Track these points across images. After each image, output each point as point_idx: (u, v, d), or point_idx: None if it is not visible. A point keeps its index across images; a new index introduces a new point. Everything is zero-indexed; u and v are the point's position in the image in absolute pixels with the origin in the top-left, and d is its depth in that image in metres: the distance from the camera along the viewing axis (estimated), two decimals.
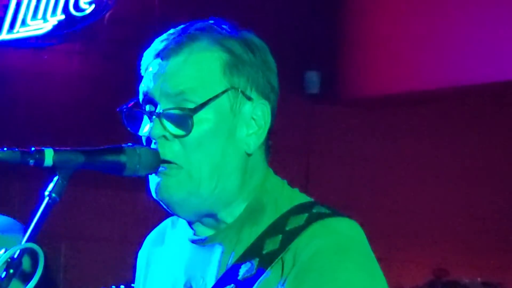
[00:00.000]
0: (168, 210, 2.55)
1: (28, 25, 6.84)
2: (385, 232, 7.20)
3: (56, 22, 6.81)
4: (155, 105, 2.48)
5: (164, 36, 2.49)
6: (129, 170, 2.43)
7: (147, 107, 2.47)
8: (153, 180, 2.45)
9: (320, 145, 7.84)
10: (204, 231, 2.55)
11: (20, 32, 6.88)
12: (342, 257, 2.40)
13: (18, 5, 6.89)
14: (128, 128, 2.49)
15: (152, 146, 2.51)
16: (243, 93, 2.50)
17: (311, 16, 8.09)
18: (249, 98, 2.48)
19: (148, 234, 2.74)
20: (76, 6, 6.83)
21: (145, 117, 2.49)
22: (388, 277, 5.78)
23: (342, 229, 2.45)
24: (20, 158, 2.37)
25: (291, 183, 2.55)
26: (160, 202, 2.48)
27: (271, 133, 2.41)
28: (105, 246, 7.26)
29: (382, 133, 7.97)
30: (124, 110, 2.52)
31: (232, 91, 2.48)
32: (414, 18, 7.78)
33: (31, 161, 2.33)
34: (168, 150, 2.45)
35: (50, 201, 2.32)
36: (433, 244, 7.53)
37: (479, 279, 7.15)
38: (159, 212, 2.58)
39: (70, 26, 6.84)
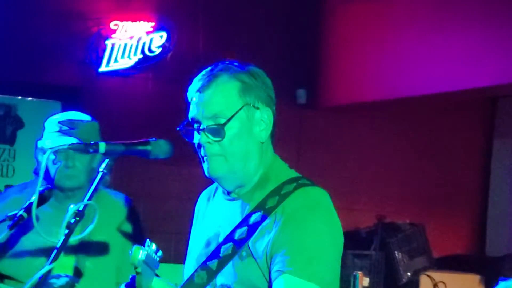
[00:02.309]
0: (215, 181, 3.42)
1: (118, 62, 7.47)
2: (348, 193, 8.18)
3: (137, 59, 7.48)
4: (199, 123, 3.26)
5: (199, 76, 3.30)
6: (152, 155, 3.29)
7: (195, 125, 3.27)
8: (204, 164, 3.29)
9: (307, 140, 8.44)
10: (233, 194, 3.39)
11: (113, 66, 7.50)
12: (313, 212, 3.22)
13: (111, 48, 7.50)
14: (185, 139, 3.31)
15: (201, 150, 3.28)
16: (253, 106, 3.28)
17: (298, 48, 8.51)
18: (257, 108, 3.29)
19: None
20: (149, 49, 7.48)
21: (195, 132, 3.29)
22: (349, 222, 7.74)
23: (315, 194, 3.28)
24: (84, 148, 3.28)
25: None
26: (211, 178, 3.34)
27: (275, 127, 3.34)
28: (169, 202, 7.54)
29: (350, 131, 8.64)
30: (181, 128, 3.32)
31: (246, 106, 3.26)
32: (374, 43, 8.01)
33: (91, 150, 3.23)
34: (213, 149, 3.25)
35: (102, 175, 3.27)
36: (377, 198, 8.29)
37: (407, 220, 7.80)
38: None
39: (145, 62, 7.48)
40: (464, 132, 8.88)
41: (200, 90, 3.23)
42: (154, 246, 2.94)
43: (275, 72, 8.93)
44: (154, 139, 3.28)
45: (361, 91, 8.19)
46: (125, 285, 3.03)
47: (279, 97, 9.53)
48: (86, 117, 4.44)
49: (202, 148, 3.24)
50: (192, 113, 3.23)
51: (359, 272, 7.02)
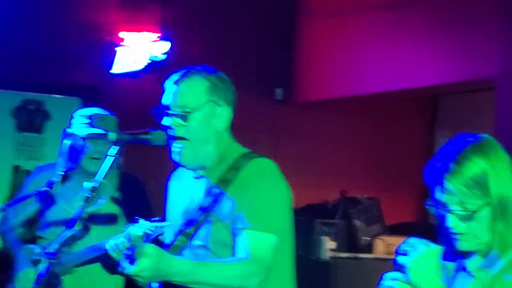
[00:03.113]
0: (179, 164, 3.37)
1: (128, 65, 7.41)
2: (317, 174, 8.22)
3: (145, 64, 7.39)
4: (170, 109, 3.27)
5: (178, 73, 3.33)
6: (152, 143, 3.27)
7: (167, 111, 3.27)
8: (174, 155, 3.30)
9: (283, 131, 8.28)
10: (199, 172, 3.37)
11: (124, 68, 7.46)
12: (262, 178, 3.29)
13: (123, 54, 7.42)
14: (156, 120, 3.31)
15: (169, 131, 3.27)
16: (216, 103, 3.30)
17: (276, 52, 8.36)
18: (220, 105, 3.31)
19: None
20: (155, 56, 7.34)
21: (166, 116, 3.28)
22: (318, 196, 8.04)
23: (263, 164, 3.35)
24: (98, 137, 3.59)
25: (265, 153, 3.43)
26: (175, 160, 3.33)
27: (232, 121, 3.34)
28: None
29: (320, 123, 8.51)
30: (156, 111, 3.32)
31: (211, 102, 3.28)
32: (340, 48, 7.91)
33: (102, 138, 3.45)
34: (179, 132, 3.26)
35: (114, 158, 3.28)
36: (341, 177, 8.19)
37: (365, 195, 7.81)
38: None
39: (152, 66, 7.39)
40: (412, 123, 8.83)
41: (176, 83, 3.27)
42: (148, 222, 2.93)
43: (257, 73, 8.93)
44: (153, 129, 3.28)
45: (329, 89, 8.12)
46: (125, 255, 3.02)
47: (259, 94, 9.40)
48: (105, 112, 4.46)
49: (170, 130, 3.26)
50: (166, 100, 3.26)
51: (326, 237, 7.28)
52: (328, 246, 7.23)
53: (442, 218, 2.53)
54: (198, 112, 3.26)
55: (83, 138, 4.21)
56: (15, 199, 4.29)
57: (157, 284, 3.28)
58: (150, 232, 2.92)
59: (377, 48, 7.54)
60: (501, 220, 2.48)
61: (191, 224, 3.30)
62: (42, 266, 3.80)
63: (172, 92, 3.28)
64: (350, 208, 7.58)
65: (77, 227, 3.92)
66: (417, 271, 2.45)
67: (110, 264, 3.64)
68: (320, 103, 8.38)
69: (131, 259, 2.93)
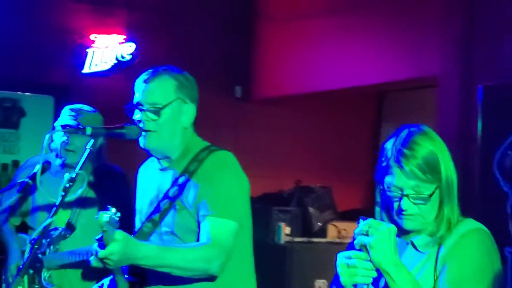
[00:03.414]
0: (149, 153, 3.39)
1: (97, 65, 7.41)
2: (274, 165, 8.18)
3: (112, 64, 7.41)
4: (142, 105, 3.25)
5: (148, 71, 3.31)
6: (127, 136, 3.25)
7: (139, 106, 3.25)
8: (142, 139, 3.26)
9: (243, 126, 8.26)
10: (164, 164, 3.37)
11: (94, 68, 7.44)
12: (223, 169, 3.29)
13: (92, 55, 7.40)
14: (128, 114, 3.28)
15: (140, 124, 3.24)
16: (183, 100, 3.29)
17: (236, 55, 8.31)
18: (186, 103, 3.30)
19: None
20: (122, 56, 7.38)
21: (137, 111, 3.26)
22: (275, 185, 7.97)
23: (223, 156, 3.34)
24: (75, 131, 3.51)
25: (226, 146, 3.43)
26: (145, 149, 3.32)
27: (196, 117, 3.31)
28: None
29: (276, 118, 8.48)
30: (128, 106, 3.29)
31: (178, 100, 3.27)
32: (293, 50, 7.89)
33: (80, 133, 3.31)
34: (148, 126, 3.24)
35: (90, 151, 3.27)
36: (296, 168, 8.13)
37: (318, 184, 7.78)
38: None
39: (119, 66, 7.40)
40: (360, 118, 8.81)
41: (146, 81, 3.26)
42: (114, 210, 2.88)
43: (217, 72, 8.89)
44: (127, 124, 3.27)
45: (285, 87, 8.14)
46: (96, 240, 2.97)
47: (219, 93, 9.35)
48: (91, 109, 4.41)
49: (141, 123, 3.24)
50: (138, 97, 3.25)
51: (282, 223, 7.25)
52: (284, 231, 7.21)
53: (390, 201, 2.54)
54: (167, 108, 3.25)
55: (63, 131, 4.14)
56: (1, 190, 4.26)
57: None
58: (117, 219, 2.89)
59: (328, 49, 7.55)
60: (448, 202, 2.52)
61: (158, 212, 3.28)
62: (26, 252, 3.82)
63: (143, 90, 3.26)
64: (305, 196, 7.57)
65: (61, 225, 4.11)
66: (378, 249, 2.42)
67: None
68: (276, 100, 8.38)
69: (102, 244, 2.90)
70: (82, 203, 4.25)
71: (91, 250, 3.55)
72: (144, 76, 3.29)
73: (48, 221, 3.28)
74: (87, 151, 3.30)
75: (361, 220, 2.50)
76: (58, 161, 4.29)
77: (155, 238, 3.29)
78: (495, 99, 5.85)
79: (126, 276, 3.26)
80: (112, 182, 4.42)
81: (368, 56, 7.13)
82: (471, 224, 2.55)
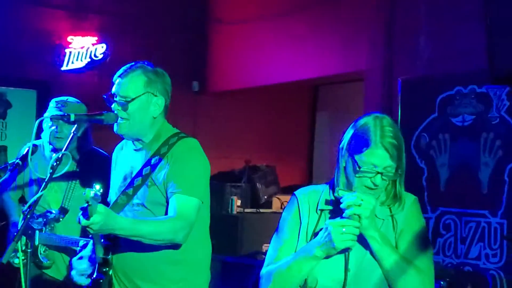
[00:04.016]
0: (122, 137, 3.36)
1: (73, 63, 7.34)
2: (227, 148, 8.15)
3: (87, 62, 7.33)
4: (116, 96, 3.23)
5: (125, 67, 3.29)
6: (105, 122, 3.23)
7: (114, 98, 3.25)
8: (115, 125, 3.23)
9: (200, 117, 8.21)
10: (138, 146, 3.33)
11: (71, 66, 7.37)
12: (189, 153, 3.26)
13: (69, 54, 7.34)
14: (107, 103, 3.28)
15: (115, 112, 3.22)
16: (152, 94, 3.26)
17: (193, 53, 8.28)
18: (156, 96, 3.27)
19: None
20: (95, 55, 7.32)
21: (112, 101, 3.25)
22: (228, 165, 7.58)
23: (190, 142, 3.30)
24: (60, 117, 3.33)
25: (186, 133, 3.37)
26: (118, 133, 3.28)
27: (166, 108, 3.31)
28: None
29: (229, 109, 8.47)
30: (106, 96, 3.27)
31: (147, 93, 3.24)
32: (243, 49, 7.87)
33: (65, 119, 3.23)
34: (121, 114, 3.22)
35: (74, 134, 3.24)
36: (246, 150, 8.04)
37: (264, 163, 7.76)
38: None
39: (93, 63, 7.34)
40: (298, 107, 8.79)
41: (121, 76, 3.25)
42: (98, 186, 2.84)
43: (177, 69, 8.87)
44: (106, 112, 3.27)
45: (236, 82, 8.11)
46: (81, 209, 2.94)
47: (179, 87, 9.37)
48: (75, 100, 4.39)
49: (116, 111, 3.23)
50: (114, 89, 3.25)
51: (234, 197, 7.23)
52: (236, 203, 7.22)
53: (353, 175, 2.60)
54: (135, 101, 3.23)
55: (51, 119, 4.13)
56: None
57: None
58: (100, 194, 2.86)
59: (271, 48, 7.52)
60: (401, 179, 2.62)
61: (131, 186, 3.26)
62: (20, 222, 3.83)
63: (117, 83, 3.26)
64: (253, 174, 7.57)
65: (53, 214, 4.08)
66: (368, 219, 2.52)
67: None
68: (228, 92, 8.36)
69: (86, 214, 2.90)
70: (72, 187, 4.25)
71: (78, 240, 3.71)
72: (121, 70, 3.28)
73: (39, 194, 3.24)
74: (72, 135, 3.28)
75: (345, 194, 2.57)
76: (49, 147, 4.27)
77: (128, 209, 3.27)
78: (412, 90, 5.84)
79: (102, 240, 3.24)
80: (98, 164, 4.37)
81: (304, 54, 7.10)
82: (411, 195, 2.70)
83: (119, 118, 3.24)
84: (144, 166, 3.26)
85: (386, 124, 2.60)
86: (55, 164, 3.23)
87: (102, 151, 4.48)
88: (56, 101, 4.31)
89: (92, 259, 3.27)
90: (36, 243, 4.06)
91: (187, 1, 8.29)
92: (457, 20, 5.56)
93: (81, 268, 3.28)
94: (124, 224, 3.04)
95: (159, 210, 3.21)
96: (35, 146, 4.16)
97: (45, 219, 4.12)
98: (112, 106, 3.25)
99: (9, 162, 3.94)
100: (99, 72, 7.37)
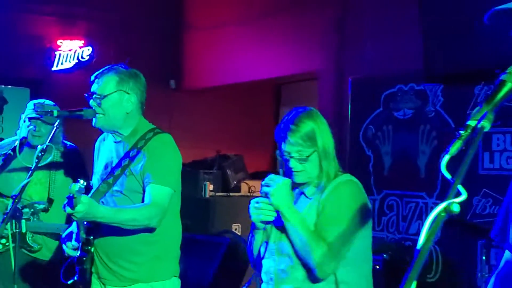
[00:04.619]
0: (100, 130, 3.32)
1: (63, 64, 7.34)
2: (201, 140, 8.03)
3: (74, 63, 7.34)
4: (93, 94, 3.22)
5: (100, 70, 3.27)
6: (84, 117, 3.22)
7: (93, 95, 3.23)
8: (93, 120, 3.22)
9: (177, 112, 8.02)
10: (117, 138, 3.29)
11: (60, 66, 7.37)
12: (164, 147, 3.23)
13: (59, 56, 7.36)
14: (88, 101, 3.22)
15: (93, 107, 3.20)
16: (125, 91, 3.22)
17: (170, 53, 8.20)
18: (128, 93, 3.23)
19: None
20: (82, 57, 7.32)
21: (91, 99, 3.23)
22: (201, 154, 7.43)
23: (165, 137, 3.26)
24: (44, 114, 3.38)
25: (164, 126, 3.35)
26: (96, 127, 3.25)
27: (140, 104, 3.25)
28: None
29: (203, 104, 8.38)
30: (87, 95, 3.24)
31: (119, 91, 3.21)
32: (216, 50, 7.77)
33: (49, 115, 3.27)
34: (97, 110, 3.20)
35: (56, 128, 3.28)
36: (217, 141, 7.95)
37: (233, 153, 7.73)
38: None
39: (80, 64, 7.33)
40: (264, 102, 8.76)
41: (97, 77, 3.25)
42: (82, 181, 2.82)
43: (156, 70, 8.81)
44: (85, 108, 3.25)
45: (209, 80, 8.02)
46: (67, 198, 2.90)
47: (158, 85, 9.16)
48: (51, 103, 4.30)
49: (94, 107, 3.21)
50: (92, 89, 3.24)
51: (207, 182, 7.24)
52: (209, 188, 7.21)
53: (286, 162, 2.62)
54: (107, 98, 3.21)
55: (29, 120, 4.09)
56: None
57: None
58: (83, 187, 2.84)
59: (239, 50, 7.50)
60: (325, 161, 2.62)
61: (112, 176, 3.24)
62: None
63: (94, 83, 3.25)
64: (223, 162, 7.57)
65: (41, 205, 4.02)
66: (276, 196, 2.55)
67: None
68: (202, 90, 8.31)
69: (71, 203, 2.89)
70: (54, 177, 4.19)
71: (63, 226, 3.68)
72: (96, 72, 3.28)
73: (26, 181, 3.26)
74: (54, 129, 3.31)
75: (273, 178, 2.62)
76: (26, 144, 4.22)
77: (109, 195, 3.25)
78: (360, 88, 5.86)
79: (85, 223, 3.25)
80: (73, 154, 4.34)
81: (268, 56, 7.10)
82: (345, 177, 2.66)
83: (97, 114, 3.23)
84: (123, 157, 3.24)
85: (297, 114, 2.63)
86: (40, 154, 3.26)
87: (71, 143, 4.43)
88: (34, 103, 4.23)
89: (78, 236, 3.28)
90: (24, 230, 3.99)
91: (165, 10, 8.20)
92: (398, 27, 5.58)
93: (72, 244, 3.27)
94: (105, 213, 3.04)
95: (136, 197, 3.20)
96: (24, 138, 4.14)
97: (32, 209, 4.06)
98: (90, 102, 3.25)
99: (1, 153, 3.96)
100: (86, 72, 7.07)
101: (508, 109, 1.39)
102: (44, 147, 3.28)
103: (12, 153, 3.88)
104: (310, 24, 6.58)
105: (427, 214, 4.96)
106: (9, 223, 3.39)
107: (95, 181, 3.36)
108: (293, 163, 2.59)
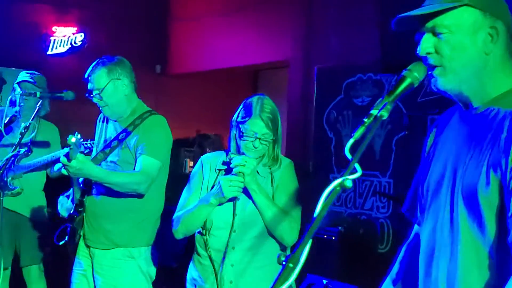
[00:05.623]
0: (110, 118, 3.32)
1: (57, 49, 7.28)
2: (185, 120, 7.78)
3: (68, 48, 7.27)
4: (92, 92, 3.25)
5: (89, 68, 3.27)
6: (65, 98, 3.34)
7: (91, 94, 3.25)
8: (102, 110, 3.24)
9: (162, 95, 7.80)
10: (118, 120, 3.33)
11: (55, 51, 7.30)
12: (157, 126, 3.27)
13: (54, 41, 7.28)
14: (90, 99, 3.27)
15: (97, 103, 3.22)
16: (116, 79, 3.25)
17: (156, 40, 8.10)
18: (120, 79, 3.27)
19: None
20: (75, 42, 7.24)
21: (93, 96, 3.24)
22: (184, 133, 7.37)
23: (158, 118, 3.33)
24: (28, 94, 3.41)
25: (148, 106, 3.39)
26: (106, 116, 3.28)
27: (135, 84, 3.29)
28: None
29: (186, 88, 8.28)
30: (87, 94, 3.25)
31: (112, 81, 3.23)
32: (199, 38, 7.74)
33: (32, 96, 3.34)
34: (100, 103, 3.25)
35: (39, 108, 3.33)
36: (197, 121, 8.00)
37: (213, 133, 7.39)
38: None
39: (73, 49, 7.27)
40: (242, 87, 8.49)
41: (89, 75, 3.27)
42: (79, 135, 2.86)
43: (143, 55, 8.70)
44: (65, 90, 3.36)
45: (191, 66, 7.98)
46: (64, 155, 2.94)
47: (144, 69, 9.01)
48: (38, 73, 4.29)
49: (97, 102, 3.27)
50: (88, 87, 3.27)
51: (188, 159, 7.30)
52: (189, 164, 7.20)
53: (244, 140, 2.65)
54: (105, 90, 3.24)
55: (22, 95, 4.04)
56: None
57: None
58: (81, 141, 2.91)
59: (220, 39, 7.45)
60: (278, 145, 2.73)
61: (109, 147, 3.29)
62: None
63: (89, 82, 3.27)
64: (203, 141, 7.36)
65: (23, 149, 3.99)
66: (249, 175, 2.56)
67: None
68: (185, 75, 8.25)
69: (67, 156, 2.90)
70: (37, 136, 4.17)
71: (49, 159, 3.69)
72: (88, 71, 3.28)
73: (10, 154, 3.38)
74: (37, 108, 3.38)
75: (234, 157, 2.66)
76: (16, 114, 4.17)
77: (104, 163, 3.29)
78: (325, 77, 5.90)
79: (81, 185, 3.27)
80: (48, 130, 4.31)
81: (245, 45, 7.09)
82: (287, 159, 2.79)
83: (101, 107, 3.27)
84: (121, 132, 3.28)
85: (265, 102, 2.68)
86: (23, 131, 3.35)
87: (49, 122, 4.38)
88: (26, 72, 4.20)
89: (73, 198, 3.31)
90: (9, 179, 3.95)
91: (152, 1, 8.12)
92: (358, 21, 5.61)
93: (67, 206, 3.29)
94: (98, 174, 3.08)
95: (128, 167, 3.23)
96: (14, 116, 4.11)
97: (13, 158, 3.97)
98: (93, 100, 3.27)
99: None
100: (78, 56, 7.28)
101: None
102: (27, 125, 3.33)
103: (2, 129, 3.91)
104: (283, 18, 6.60)
105: (381, 191, 5.25)
106: None
107: (94, 151, 3.41)
108: (257, 143, 2.64)
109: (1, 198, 3.33)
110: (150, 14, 8.12)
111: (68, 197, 3.32)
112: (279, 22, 6.63)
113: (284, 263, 1.33)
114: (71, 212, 3.25)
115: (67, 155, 2.88)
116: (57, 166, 3.24)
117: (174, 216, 2.75)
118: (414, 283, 1.74)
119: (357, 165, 1.45)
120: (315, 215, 1.37)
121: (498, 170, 1.50)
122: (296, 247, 1.35)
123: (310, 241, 1.35)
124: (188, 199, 2.77)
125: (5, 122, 3.83)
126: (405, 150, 5.10)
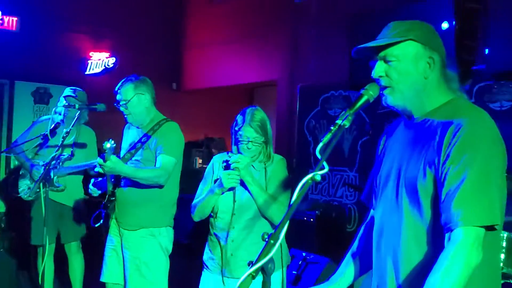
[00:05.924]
0: (132, 124, 3.22)
1: (93, 70, 7.17)
2: (193, 128, 7.57)
3: (102, 69, 7.17)
4: (119, 102, 3.16)
5: (120, 83, 3.21)
6: (98, 110, 3.26)
7: (119, 104, 3.17)
8: (126, 118, 3.16)
9: (177, 109, 7.17)
10: (140, 127, 3.23)
11: (91, 71, 7.20)
12: (172, 130, 3.18)
13: (90, 64, 7.18)
14: (117, 108, 3.18)
15: (123, 112, 3.13)
16: (141, 94, 3.18)
17: (172, 61, 7.92)
18: (143, 94, 3.20)
19: None
20: (108, 65, 7.14)
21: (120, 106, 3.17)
22: (194, 137, 7.02)
23: (173, 124, 3.24)
24: (68, 106, 3.37)
25: (167, 117, 3.28)
26: (128, 121, 3.16)
27: (154, 99, 3.23)
28: None
29: (198, 102, 8.15)
30: (116, 104, 3.18)
31: (137, 95, 3.16)
32: (208, 58, 7.57)
33: (72, 108, 3.28)
34: (126, 112, 3.16)
35: (78, 117, 3.26)
36: (205, 127, 7.84)
37: (218, 136, 7.59)
38: None
39: (106, 70, 7.17)
40: (240, 103, 8.04)
41: (119, 89, 3.20)
42: (112, 141, 2.81)
43: (163, 75, 8.57)
44: (98, 103, 3.31)
45: (200, 84, 7.83)
46: (100, 157, 2.89)
47: (163, 87, 8.98)
48: (81, 89, 4.21)
49: (123, 111, 3.19)
50: (117, 98, 3.20)
51: (197, 157, 7.18)
52: (198, 162, 7.08)
53: (241, 143, 2.63)
54: (130, 102, 3.18)
55: (64, 107, 4.02)
56: (24, 137, 4.03)
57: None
58: (114, 146, 2.83)
59: (224, 62, 7.33)
60: (270, 146, 2.68)
61: (133, 149, 3.24)
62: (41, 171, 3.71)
63: (118, 94, 3.22)
64: (210, 143, 7.47)
65: (66, 152, 3.94)
66: (245, 170, 2.58)
67: None
68: (196, 91, 8.11)
69: (103, 157, 2.86)
70: (73, 144, 4.07)
71: (88, 164, 3.64)
72: (118, 85, 3.24)
73: (54, 154, 3.29)
74: (76, 117, 3.33)
75: (232, 156, 2.66)
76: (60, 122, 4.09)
77: (130, 162, 3.24)
78: (305, 93, 5.86)
79: (112, 180, 3.24)
80: (90, 133, 4.23)
81: (244, 66, 7.02)
82: (279, 156, 2.75)
83: (125, 115, 3.21)
84: (143, 137, 3.24)
85: (255, 113, 2.66)
86: (65, 135, 3.31)
87: (88, 127, 4.31)
88: (70, 88, 4.15)
89: (104, 187, 3.25)
90: (53, 176, 3.88)
91: (169, 29, 8.01)
92: (332, 49, 5.63)
93: (99, 185, 3.25)
94: (127, 171, 3.04)
95: (149, 164, 3.19)
96: (58, 123, 4.07)
97: (59, 161, 3.91)
98: (120, 109, 3.23)
99: (43, 134, 3.93)
100: (110, 76, 7.23)
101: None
102: (68, 130, 3.30)
103: (49, 134, 3.84)
104: (273, 46, 6.58)
105: (349, 183, 5.24)
106: (41, 184, 3.34)
107: (122, 152, 3.35)
108: (250, 145, 2.63)
109: (47, 189, 3.27)
110: (168, 42, 8.08)
111: (98, 184, 3.23)
112: (270, 50, 6.62)
113: (266, 240, 1.33)
114: (104, 201, 3.19)
115: (103, 157, 2.85)
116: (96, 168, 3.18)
117: (192, 204, 2.75)
118: (369, 256, 1.76)
119: (325, 163, 1.46)
120: (291, 202, 1.39)
121: (432, 166, 1.53)
122: (276, 227, 1.36)
123: (287, 223, 1.36)
124: (203, 190, 2.78)
125: (51, 128, 3.77)
126: (368, 151, 5.13)
